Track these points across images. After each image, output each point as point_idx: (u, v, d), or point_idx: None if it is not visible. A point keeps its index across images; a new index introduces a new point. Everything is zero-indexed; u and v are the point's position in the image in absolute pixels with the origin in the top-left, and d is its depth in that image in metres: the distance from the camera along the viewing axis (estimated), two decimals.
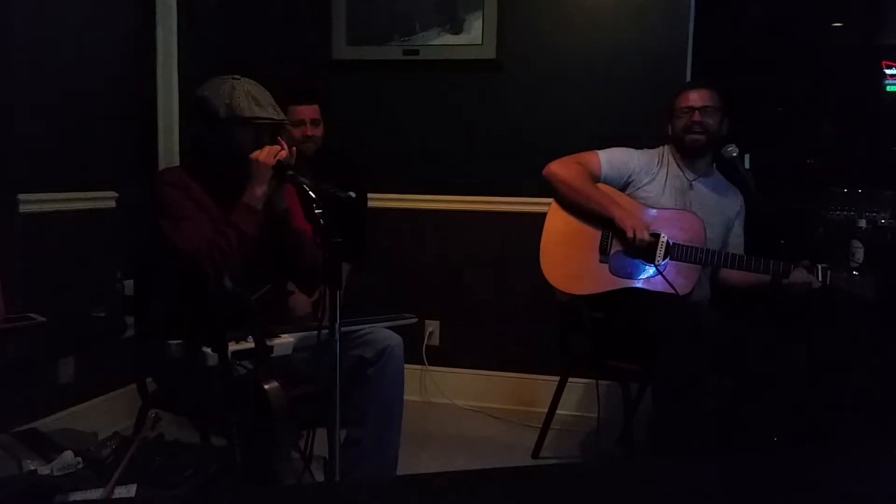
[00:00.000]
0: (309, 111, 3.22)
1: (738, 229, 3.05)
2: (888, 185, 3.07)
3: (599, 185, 2.95)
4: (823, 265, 2.72)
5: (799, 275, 2.71)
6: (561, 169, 2.95)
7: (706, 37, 3.64)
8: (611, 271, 2.87)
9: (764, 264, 2.76)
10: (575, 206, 2.93)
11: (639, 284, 2.84)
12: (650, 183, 2.96)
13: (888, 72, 3.99)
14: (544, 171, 2.97)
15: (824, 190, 3.13)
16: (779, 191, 3.62)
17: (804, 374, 2.68)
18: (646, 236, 2.80)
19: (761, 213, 3.03)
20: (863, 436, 2.73)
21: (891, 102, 4.04)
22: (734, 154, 2.89)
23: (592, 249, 2.90)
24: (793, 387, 2.67)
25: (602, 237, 2.89)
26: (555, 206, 2.98)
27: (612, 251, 2.88)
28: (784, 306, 2.84)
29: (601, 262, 2.88)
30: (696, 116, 2.91)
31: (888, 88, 4.01)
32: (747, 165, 3.04)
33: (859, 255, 2.96)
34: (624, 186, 2.97)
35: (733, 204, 3.04)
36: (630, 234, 2.78)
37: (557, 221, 2.96)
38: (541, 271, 2.90)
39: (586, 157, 2.97)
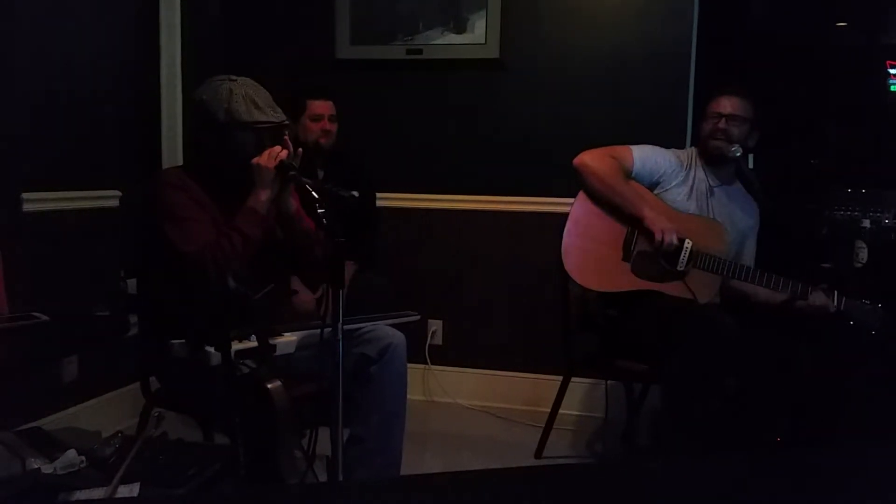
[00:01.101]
0: (327, 107, 3.27)
1: (751, 241, 3.04)
2: (892, 186, 3.07)
3: (631, 182, 2.92)
4: (829, 284, 2.74)
5: (818, 297, 2.71)
6: (593, 161, 2.89)
7: (710, 36, 3.63)
8: (632, 271, 2.84)
9: (783, 283, 2.75)
10: (604, 201, 2.89)
11: (659, 288, 2.81)
12: (678, 186, 2.93)
13: (892, 71, 3.98)
14: (575, 162, 2.91)
15: (828, 190, 3.13)
16: (782, 191, 3.61)
17: (808, 374, 2.67)
18: (674, 241, 2.76)
19: (765, 213, 3.03)
20: (866, 435, 2.73)
21: (895, 102, 4.03)
22: (738, 154, 2.88)
23: (616, 247, 2.87)
24: (797, 387, 2.67)
25: (627, 235, 2.86)
26: (581, 197, 2.93)
27: (635, 251, 2.85)
28: (797, 322, 2.84)
29: (623, 260, 2.86)
30: (722, 124, 2.88)
31: (892, 88, 4.00)
32: (751, 165, 3.03)
33: (863, 255, 2.96)
34: (652, 186, 2.93)
35: (750, 217, 3.03)
36: (659, 237, 2.75)
37: (582, 214, 2.92)
38: (561, 263, 2.87)
39: (619, 151, 2.93)
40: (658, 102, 3.55)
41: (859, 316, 2.72)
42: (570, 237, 2.90)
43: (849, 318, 2.73)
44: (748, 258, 3.02)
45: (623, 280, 2.84)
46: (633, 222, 2.85)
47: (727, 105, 2.90)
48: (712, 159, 2.95)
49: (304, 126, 3.22)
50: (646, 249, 2.84)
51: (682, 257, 2.80)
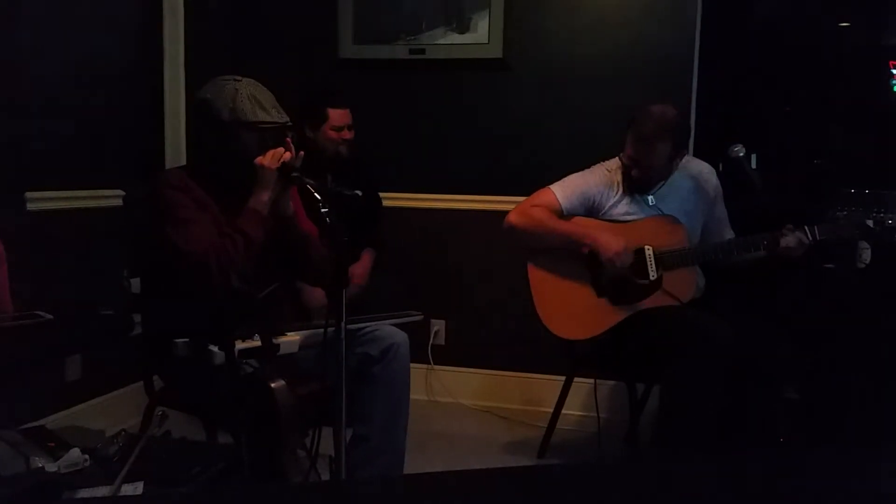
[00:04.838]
0: (346, 116, 3.26)
1: (718, 210, 3.00)
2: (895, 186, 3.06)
3: (575, 219, 2.87)
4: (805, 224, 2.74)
5: (790, 239, 2.69)
6: (519, 218, 2.86)
7: (713, 36, 3.63)
8: (611, 303, 2.81)
9: (754, 242, 2.75)
10: (549, 251, 2.85)
11: (642, 306, 2.78)
12: (615, 205, 2.89)
13: (895, 72, 3.98)
14: (504, 226, 2.89)
15: (831, 190, 3.12)
16: (785, 191, 3.61)
17: (809, 373, 2.68)
18: (627, 258, 2.73)
19: (767, 213, 3.02)
20: (867, 435, 2.73)
21: None
22: (741, 154, 2.86)
23: (586, 287, 2.83)
24: (797, 386, 2.67)
25: (591, 272, 2.82)
26: (531, 265, 2.90)
27: (605, 283, 2.83)
28: (786, 284, 2.83)
29: (599, 296, 2.83)
30: (636, 174, 2.81)
31: (895, 88, 4.00)
32: (754, 165, 3.03)
33: (866, 255, 2.96)
34: (588, 213, 2.89)
35: (705, 189, 2.96)
36: (609, 261, 2.71)
37: (540, 275, 2.89)
38: (543, 325, 2.86)
39: (541, 197, 2.88)
40: (660, 102, 3.54)
41: (837, 232, 2.72)
42: (541, 303, 2.87)
43: (830, 241, 2.72)
44: (722, 226, 2.99)
45: (607, 316, 2.80)
46: (590, 255, 2.80)
47: (642, 153, 2.78)
48: (639, 191, 2.88)
49: (325, 135, 3.22)
50: (613, 276, 2.80)
51: (649, 266, 2.77)
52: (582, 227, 2.83)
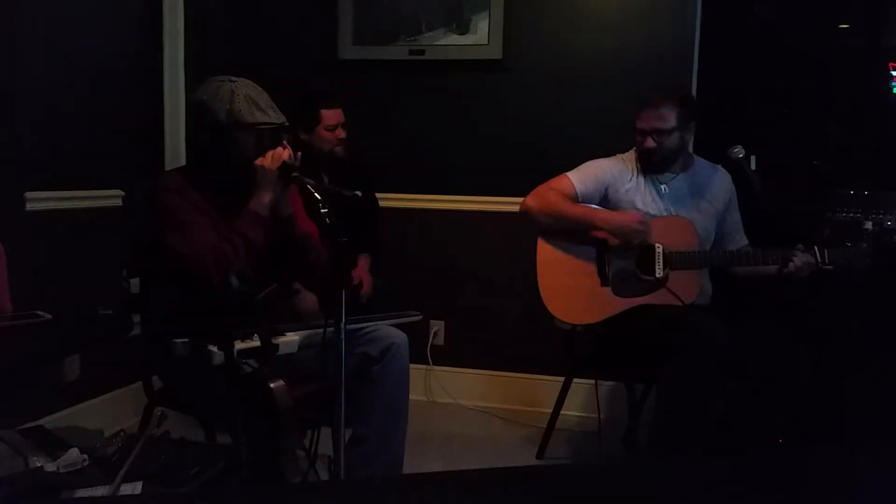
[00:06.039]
0: (339, 115, 3.27)
1: (732, 216, 3.01)
2: (895, 187, 3.06)
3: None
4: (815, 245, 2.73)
5: (801, 258, 2.70)
6: (535, 200, 2.91)
7: (713, 37, 3.63)
8: (614, 293, 2.83)
9: (763, 256, 2.76)
10: (562, 233, 2.88)
11: (644, 301, 2.80)
12: (632, 191, 2.91)
13: (894, 73, 3.98)
14: (521, 209, 2.94)
15: (830, 191, 3.12)
16: (785, 192, 3.61)
17: (810, 374, 2.67)
18: (647, 230, 2.76)
19: (767, 214, 3.02)
20: (868, 436, 2.73)
21: None
22: (740, 155, 2.87)
23: (591, 276, 2.85)
24: (798, 387, 2.67)
25: (598, 260, 2.85)
26: (541, 242, 2.93)
27: (610, 273, 2.85)
28: (788, 294, 2.84)
29: (602, 286, 2.85)
30: (648, 143, 2.85)
31: (894, 90, 4.00)
32: (753, 166, 3.02)
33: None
34: (602, 200, 2.93)
35: (720, 193, 2.98)
36: (632, 233, 2.76)
37: (547, 256, 2.91)
38: (542, 304, 2.87)
39: (557, 182, 2.92)
40: None
41: (846, 260, 2.71)
42: (544, 281, 2.89)
43: (837, 266, 2.72)
44: (735, 232, 3.00)
45: (608, 306, 2.82)
46: (600, 243, 2.84)
47: (647, 122, 2.83)
48: (655, 169, 2.93)
49: (320, 136, 3.23)
50: (620, 268, 2.83)
51: (657, 263, 2.79)
52: (595, 210, 2.88)
